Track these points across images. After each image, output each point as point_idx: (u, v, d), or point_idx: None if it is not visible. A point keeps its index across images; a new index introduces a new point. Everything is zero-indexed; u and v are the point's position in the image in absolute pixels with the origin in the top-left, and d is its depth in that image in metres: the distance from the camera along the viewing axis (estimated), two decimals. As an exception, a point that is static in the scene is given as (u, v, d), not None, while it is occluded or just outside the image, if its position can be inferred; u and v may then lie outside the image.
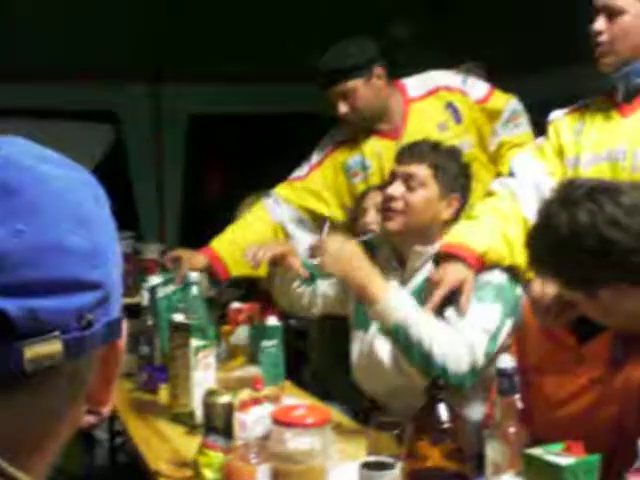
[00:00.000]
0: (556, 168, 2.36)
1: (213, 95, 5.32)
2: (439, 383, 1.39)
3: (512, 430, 1.46)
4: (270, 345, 2.51)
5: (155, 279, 2.80)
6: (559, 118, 2.42)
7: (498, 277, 2.20)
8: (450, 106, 2.98)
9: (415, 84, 3.05)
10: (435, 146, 2.38)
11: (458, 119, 2.98)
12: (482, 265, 2.19)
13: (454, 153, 2.41)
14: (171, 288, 2.70)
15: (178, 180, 5.54)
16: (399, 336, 2.11)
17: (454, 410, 1.42)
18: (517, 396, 1.45)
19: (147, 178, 5.44)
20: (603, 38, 2.24)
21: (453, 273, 2.15)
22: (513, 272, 2.22)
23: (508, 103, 2.99)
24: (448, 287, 2.13)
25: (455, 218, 2.35)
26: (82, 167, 0.72)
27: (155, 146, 5.42)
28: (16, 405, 0.63)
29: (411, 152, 2.36)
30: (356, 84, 2.90)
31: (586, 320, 1.67)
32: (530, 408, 1.71)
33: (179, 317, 2.30)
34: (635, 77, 2.25)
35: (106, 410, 0.78)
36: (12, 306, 0.60)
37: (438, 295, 2.13)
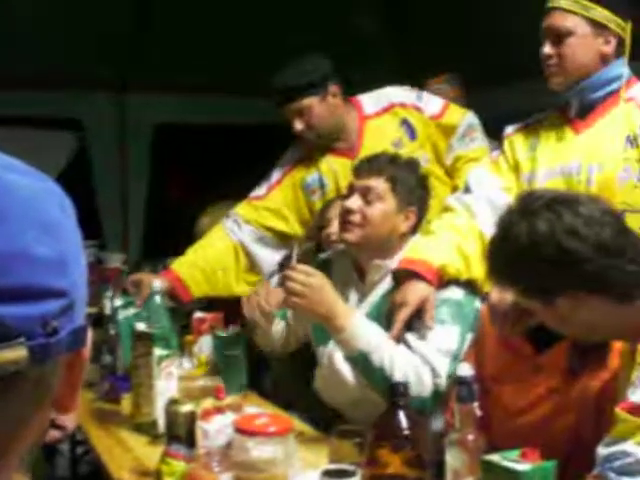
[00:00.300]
0: (512, 183, 2.40)
1: (179, 105, 5.30)
2: (400, 390, 1.41)
3: (471, 437, 1.48)
4: (233, 354, 2.52)
5: (116, 301, 2.80)
6: (513, 133, 2.47)
7: (456, 293, 2.23)
8: (405, 123, 3.01)
9: (370, 101, 3.08)
10: (393, 159, 2.40)
11: (413, 136, 3.00)
12: (440, 280, 2.22)
13: (412, 165, 2.43)
14: (132, 311, 2.71)
15: (142, 189, 5.50)
16: (363, 362, 2.15)
17: (414, 417, 1.44)
18: (476, 404, 1.48)
19: (111, 187, 5.39)
20: (552, 61, 2.30)
21: (414, 293, 2.18)
22: (471, 286, 2.26)
23: (463, 118, 3.02)
24: (411, 308, 2.17)
25: (413, 231, 2.37)
26: (47, 176, 0.72)
27: (119, 155, 5.39)
28: None
29: (369, 165, 2.38)
30: (311, 102, 2.93)
31: (543, 329, 1.71)
32: (488, 416, 1.74)
33: (142, 326, 2.30)
34: (589, 93, 2.30)
35: (71, 424, 0.78)
36: None
37: (403, 316, 2.16)
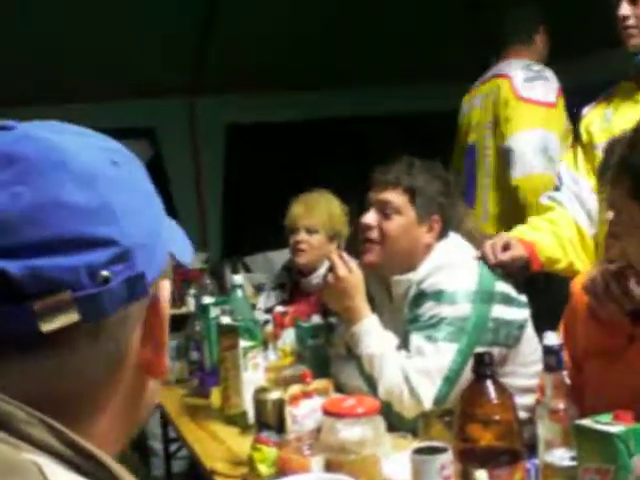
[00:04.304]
0: (588, 166, 2.40)
1: (250, 104, 5.33)
2: (485, 360, 1.39)
3: (562, 407, 1.46)
4: (315, 344, 2.53)
5: (205, 299, 2.81)
6: (587, 111, 2.46)
7: (460, 309, 2.10)
8: None
9: None
10: (410, 167, 2.27)
11: None
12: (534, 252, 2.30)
13: (432, 170, 2.30)
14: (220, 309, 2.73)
15: (219, 190, 5.57)
16: (358, 362, 2.16)
17: (502, 384, 1.42)
18: (565, 372, 1.45)
19: (187, 190, 5.45)
20: (630, 22, 2.25)
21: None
22: (484, 295, 2.15)
23: None
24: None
25: (439, 238, 2.26)
26: (110, 138, 0.74)
27: (193, 157, 5.47)
28: (41, 367, 0.64)
29: (385, 176, 2.27)
30: None
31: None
32: (582, 393, 1.70)
33: (226, 319, 2.33)
34: None
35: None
36: (14, 266, 0.61)
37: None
